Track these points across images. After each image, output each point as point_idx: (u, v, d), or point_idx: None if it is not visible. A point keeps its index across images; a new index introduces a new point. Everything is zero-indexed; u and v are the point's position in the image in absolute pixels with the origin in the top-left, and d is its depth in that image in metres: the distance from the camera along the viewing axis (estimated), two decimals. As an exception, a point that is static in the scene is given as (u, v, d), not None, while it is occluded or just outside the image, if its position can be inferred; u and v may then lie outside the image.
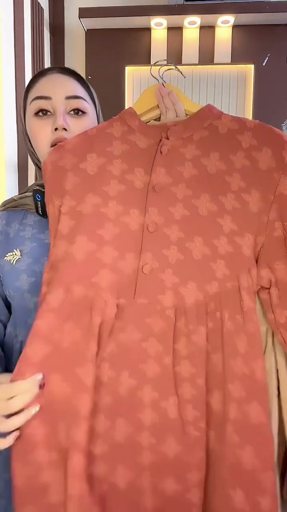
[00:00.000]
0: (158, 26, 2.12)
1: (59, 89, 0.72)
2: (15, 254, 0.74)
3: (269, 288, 0.60)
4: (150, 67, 0.71)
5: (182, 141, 0.65)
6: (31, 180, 1.88)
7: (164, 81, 0.69)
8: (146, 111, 0.70)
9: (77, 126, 0.71)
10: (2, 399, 0.55)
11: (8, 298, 0.75)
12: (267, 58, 2.09)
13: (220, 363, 0.58)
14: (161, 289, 0.60)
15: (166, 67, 0.72)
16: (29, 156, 0.83)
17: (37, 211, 0.73)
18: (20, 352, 0.61)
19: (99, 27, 2.15)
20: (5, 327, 0.77)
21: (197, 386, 0.57)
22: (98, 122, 0.78)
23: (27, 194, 0.80)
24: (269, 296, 0.60)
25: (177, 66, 0.71)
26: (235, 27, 2.11)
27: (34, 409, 0.55)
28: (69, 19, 2.26)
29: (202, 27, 2.12)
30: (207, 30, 2.13)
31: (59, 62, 2.29)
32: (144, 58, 2.18)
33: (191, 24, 2.10)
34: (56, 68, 0.76)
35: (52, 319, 0.58)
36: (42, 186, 0.70)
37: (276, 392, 0.58)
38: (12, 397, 0.55)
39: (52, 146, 0.70)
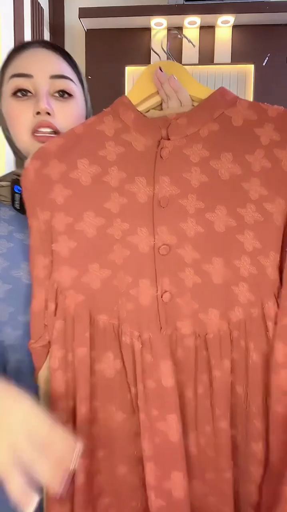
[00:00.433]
0: (158, 26, 2.12)
1: (43, 67, 0.62)
2: None
3: None
4: (151, 36, 0.63)
5: (186, 140, 0.55)
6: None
7: (170, 55, 0.60)
8: (144, 99, 0.59)
9: (62, 111, 0.63)
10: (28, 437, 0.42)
11: None
12: (267, 58, 2.09)
13: (244, 397, 0.54)
14: (180, 316, 0.55)
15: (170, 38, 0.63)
16: (6, 143, 0.71)
17: (13, 205, 0.63)
18: None
19: (99, 27, 2.15)
20: None
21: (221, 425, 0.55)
22: (86, 107, 0.70)
23: (2, 183, 0.68)
24: None
25: (184, 35, 0.64)
26: (235, 27, 2.11)
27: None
28: (69, 19, 2.26)
29: (202, 27, 2.12)
30: (207, 30, 2.12)
31: (59, 62, 2.29)
32: (144, 58, 2.17)
33: (191, 24, 2.09)
34: (39, 41, 0.65)
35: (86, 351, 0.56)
36: None
37: None
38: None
39: (33, 133, 0.62)
